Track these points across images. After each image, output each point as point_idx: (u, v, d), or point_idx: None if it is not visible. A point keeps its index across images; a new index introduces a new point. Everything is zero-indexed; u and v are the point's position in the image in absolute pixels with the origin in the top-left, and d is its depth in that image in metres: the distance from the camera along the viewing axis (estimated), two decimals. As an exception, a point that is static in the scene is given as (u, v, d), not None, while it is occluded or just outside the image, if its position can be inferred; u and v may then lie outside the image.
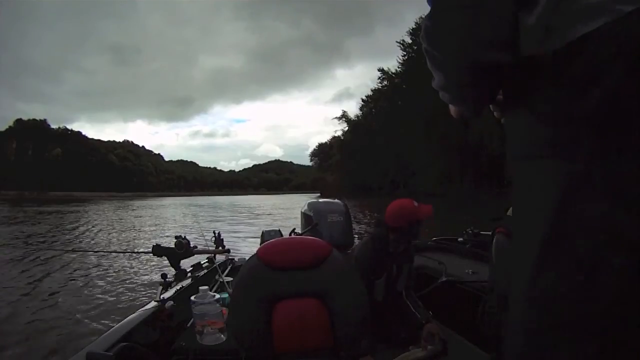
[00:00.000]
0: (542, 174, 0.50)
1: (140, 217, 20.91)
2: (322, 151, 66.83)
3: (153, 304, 1.84)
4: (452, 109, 0.71)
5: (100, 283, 5.50)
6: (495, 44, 0.52)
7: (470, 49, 0.52)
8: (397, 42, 47.75)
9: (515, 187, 0.56)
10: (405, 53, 47.22)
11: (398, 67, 49.29)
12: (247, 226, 14.36)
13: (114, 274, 6.04)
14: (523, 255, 0.52)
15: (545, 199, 0.49)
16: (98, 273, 6.11)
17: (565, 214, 0.47)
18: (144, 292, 4.90)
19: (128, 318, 1.68)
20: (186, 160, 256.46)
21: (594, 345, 0.46)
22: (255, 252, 1.49)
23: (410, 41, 45.97)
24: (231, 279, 2.26)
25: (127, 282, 5.53)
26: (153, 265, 6.14)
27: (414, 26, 44.99)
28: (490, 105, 0.71)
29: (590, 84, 0.46)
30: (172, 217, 20.20)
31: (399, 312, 1.92)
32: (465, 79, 0.57)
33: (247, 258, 1.76)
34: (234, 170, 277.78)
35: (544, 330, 0.48)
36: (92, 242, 10.08)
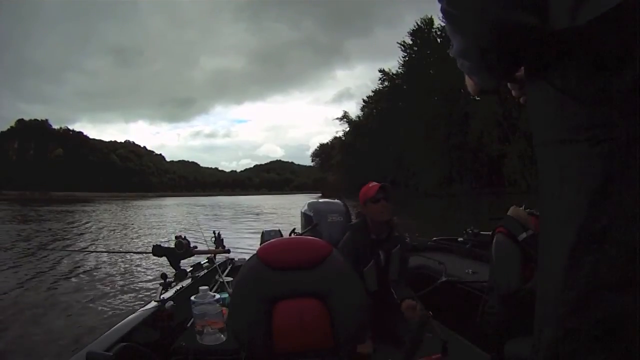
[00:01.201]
0: (577, 160, 0.46)
1: (143, 216, 21.03)
2: (324, 151, 66.60)
3: (153, 304, 1.84)
4: (470, 84, 0.67)
5: (101, 283, 5.51)
6: (522, 4, 0.48)
7: (494, 7, 0.48)
8: (398, 43, 47.69)
9: (543, 175, 0.52)
10: (405, 54, 47.19)
11: (399, 68, 49.31)
12: (248, 226, 14.36)
13: (114, 273, 6.04)
14: (556, 248, 0.48)
15: (581, 187, 0.45)
16: (98, 273, 6.11)
17: (603, 204, 0.43)
18: (144, 292, 4.91)
19: (128, 318, 1.68)
20: (187, 161, 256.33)
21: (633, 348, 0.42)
22: (255, 252, 1.50)
23: (410, 42, 45.97)
24: (231, 279, 2.26)
25: (127, 282, 5.53)
26: (153, 265, 6.15)
27: (414, 27, 45.03)
28: (508, 84, 0.67)
29: (628, 58, 0.42)
30: (173, 217, 20.26)
31: (395, 302, 1.93)
32: (486, 41, 0.52)
33: (247, 258, 1.76)
34: (235, 171, 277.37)
35: (577, 329, 0.45)
36: (95, 241, 10.09)
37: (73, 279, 5.75)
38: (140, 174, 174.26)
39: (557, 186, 0.49)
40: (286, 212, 21.20)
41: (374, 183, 2.02)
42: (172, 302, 1.84)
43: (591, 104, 0.44)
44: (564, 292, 0.46)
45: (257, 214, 21.79)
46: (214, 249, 2.96)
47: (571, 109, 0.46)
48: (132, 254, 7.08)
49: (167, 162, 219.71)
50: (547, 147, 0.50)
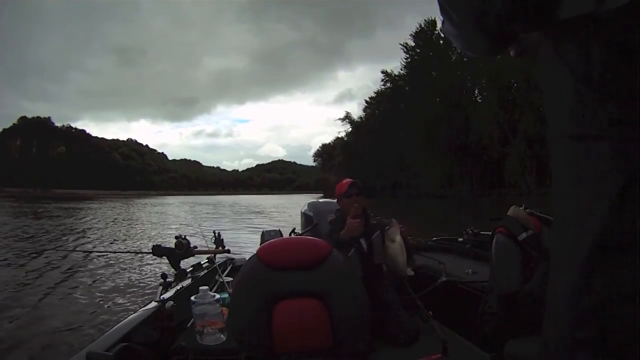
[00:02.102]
0: (597, 159, 0.42)
1: (148, 213, 21.22)
2: (325, 152, 66.57)
3: (153, 304, 1.85)
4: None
5: (101, 283, 5.50)
6: (517, 15, 0.45)
7: (492, 17, 0.46)
8: (400, 44, 47.42)
9: (558, 173, 0.48)
10: (408, 56, 46.98)
11: (401, 70, 49.11)
12: (248, 226, 14.36)
13: (114, 273, 6.03)
14: (569, 253, 0.45)
15: (600, 189, 0.41)
16: (98, 273, 6.11)
17: (623, 209, 0.40)
18: (144, 292, 4.91)
19: (128, 318, 1.68)
20: (190, 160, 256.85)
21: None
22: (255, 252, 1.50)
23: (413, 44, 45.79)
24: (231, 279, 2.26)
25: (127, 282, 5.53)
26: (153, 265, 6.15)
27: (416, 29, 44.82)
28: None
29: None
30: (175, 215, 20.32)
31: (383, 288, 1.98)
32: (480, 40, 0.51)
33: (247, 258, 1.76)
34: (237, 170, 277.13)
35: (588, 339, 0.42)
36: (97, 240, 10.10)
37: (72, 279, 5.75)
38: (142, 172, 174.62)
39: (573, 186, 0.45)
40: (287, 211, 21.25)
41: (347, 179, 2.17)
42: (172, 302, 1.84)
43: (616, 98, 0.40)
44: (577, 300, 0.43)
45: (259, 212, 21.88)
46: (214, 249, 2.96)
47: (593, 103, 0.42)
48: (132, 253, 7.08)
49: (169, 160, 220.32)
50: (564, 142, 0.46)
